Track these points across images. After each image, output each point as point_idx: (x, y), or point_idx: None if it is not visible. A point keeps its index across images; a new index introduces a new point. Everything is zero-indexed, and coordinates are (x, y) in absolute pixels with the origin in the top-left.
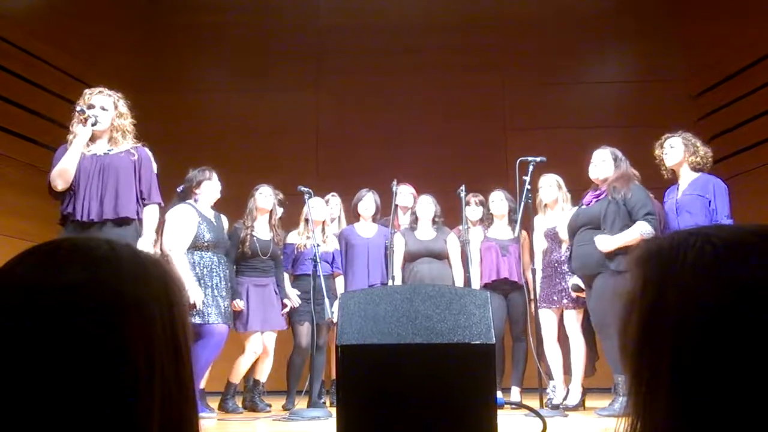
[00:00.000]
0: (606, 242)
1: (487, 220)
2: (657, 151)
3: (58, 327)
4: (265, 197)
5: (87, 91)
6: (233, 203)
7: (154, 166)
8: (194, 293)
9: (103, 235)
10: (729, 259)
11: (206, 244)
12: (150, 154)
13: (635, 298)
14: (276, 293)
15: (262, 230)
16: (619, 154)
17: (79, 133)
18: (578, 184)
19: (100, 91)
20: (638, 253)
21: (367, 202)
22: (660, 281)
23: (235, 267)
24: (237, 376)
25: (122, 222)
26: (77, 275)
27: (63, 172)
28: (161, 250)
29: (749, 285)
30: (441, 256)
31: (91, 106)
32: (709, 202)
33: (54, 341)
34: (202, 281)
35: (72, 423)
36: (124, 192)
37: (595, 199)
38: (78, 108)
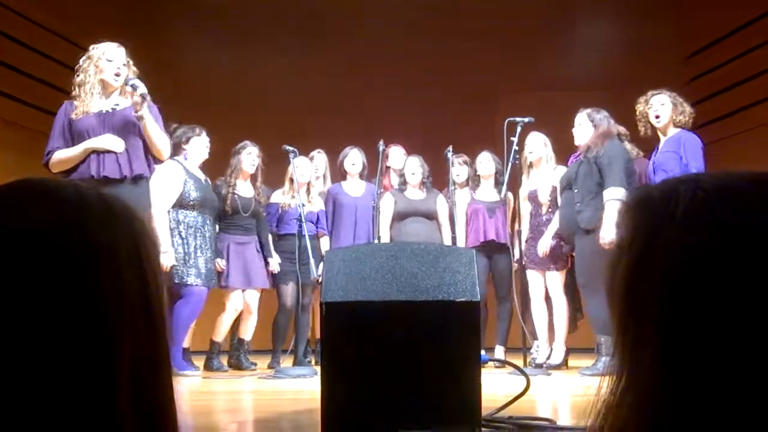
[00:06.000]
0: (606, 235)
1: (473, 181)
2: (641, 108)
3: (22, 269)
4: (252, 160)
5: (104, 48)
6: (216, 163)
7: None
8: (166, 257)
9: (119, 194)
10: (719, 205)
11: (192, 203)
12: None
13: (623, 247)
14: (258, 251)
15: (244, 188)
16: (598, 114)
17: (107, 144)
18: (567, 146)
19: (118, 46)
20: (628, 202)
21: (354, 157)
22: (649, 229)
23: (216, 225)
24: (219, 335)
25: (137, 179)
26: (43, 216)
27: (65, 163)
28: None
29: (739, 229)
30: (430, 216)
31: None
32: (681, 157)
33: (18, 284)
34: (185, 241)
35: (37, 372)
36: (133, 149)
37: (574, 160)
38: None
